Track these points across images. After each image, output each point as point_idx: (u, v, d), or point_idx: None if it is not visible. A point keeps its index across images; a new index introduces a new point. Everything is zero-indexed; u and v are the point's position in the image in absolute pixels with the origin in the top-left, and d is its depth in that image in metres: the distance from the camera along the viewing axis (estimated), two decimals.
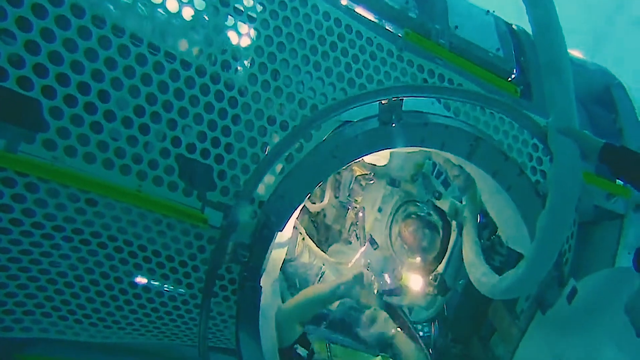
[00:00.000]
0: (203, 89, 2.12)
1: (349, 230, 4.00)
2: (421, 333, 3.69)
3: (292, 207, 2.31)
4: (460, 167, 2.97)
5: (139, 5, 1.99)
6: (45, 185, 1.94)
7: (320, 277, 3.50)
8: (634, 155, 2.08)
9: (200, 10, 2.10)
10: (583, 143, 2.13)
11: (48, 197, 1.96)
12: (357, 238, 3.91)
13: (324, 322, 3.27)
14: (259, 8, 2.23)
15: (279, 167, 2.29)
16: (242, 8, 2.20)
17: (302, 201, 2.40)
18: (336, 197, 3.90)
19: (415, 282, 3.52)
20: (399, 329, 3.06)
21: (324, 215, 4.09)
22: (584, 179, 2.46)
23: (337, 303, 3.21)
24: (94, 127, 1.95)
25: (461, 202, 3.34)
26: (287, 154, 2.27)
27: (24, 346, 2.38)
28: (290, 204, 2.30)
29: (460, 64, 2.70)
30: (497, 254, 3.18)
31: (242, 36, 2.20)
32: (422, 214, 3.55)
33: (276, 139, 2.27)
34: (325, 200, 3.85)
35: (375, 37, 2.50)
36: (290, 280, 3.50)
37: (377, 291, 3.59)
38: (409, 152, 3.33)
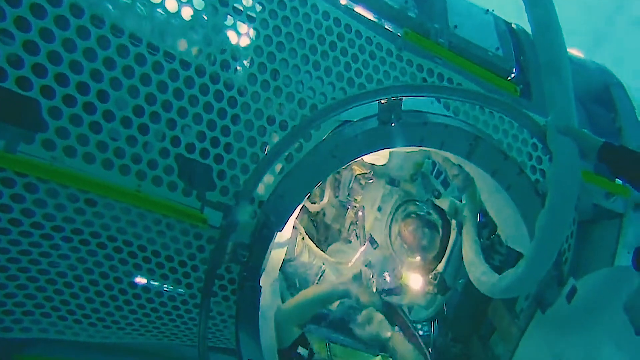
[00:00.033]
0: (202, 88, 2.12)
1: (348, 230, 3.99)
2: (421, 332, 3.70)
3: (291, 207, 2.31)
4: (460, 166, 2.96)
5: (138, 5, 1.99)
6: (44, 186, 1.94)
7: (320, 277, 3.50)
8: (633, 154, 2.07)
9: (199, 10, 2.10)
10: (582, 142, 2.13)
11: (47, 197, 1.96)
12: (357, 237, 3.91)
13: (324, 322, 3.27)
14: (258, 8, 2.23)
15: (278, 166, 2.28)
16: (241, 8, 2.20)
17: (302, 201, 2.40)
18: (336, 197, 3.90)
19: (415, 281, 3.52)
20: (395, 330, 3.06)
21: (324, 215, 4.09)
22: (583, 178, 2.46)
23: (337, 303, 3.20)
24: (93, 127, 1.95)
25: (461, 201, 3.34)
26: (286, 153, 2.27)
27: (24, 346, 2.38)
28: (289, 204, 2.29)
29: (460, 63, 2.70)
30: (496, 253, 3.18)
31: (241, 36, 2.20)
32: (422, 213, 3.55)
33: (276, 138, 2.27)
34: (325, 200, 3.85)
35: (374, 37, 2.50)
36: (290, 280, 3.50)
37: (376, 289, 3.59)
38: (408, 152, 3.33)
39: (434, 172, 3.45)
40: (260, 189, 2.26)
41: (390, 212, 3.68)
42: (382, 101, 2.33)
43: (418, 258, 3.51)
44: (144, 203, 2.07)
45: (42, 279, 2.14)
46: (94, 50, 1.91)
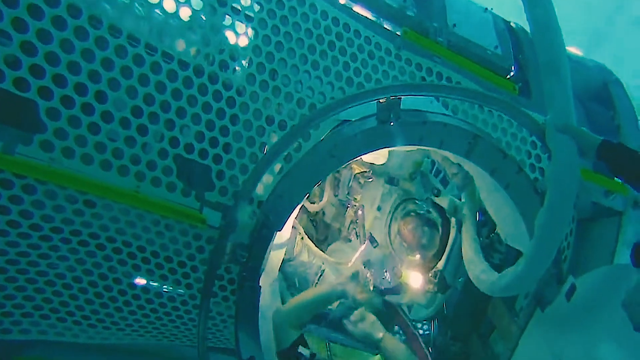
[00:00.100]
0: (201, 89, 2.11)
1: (348, 229, 4.00)
2: (421, 331, 3.70)
3: (291, 207, 2.31)
4: (459, 165, 2.97)
5: (136, 5, 1.98)
6: (42, 187, 1.93)
7: (320, 276, 3.51)
8: (632, 152, 2.08)
9: (197, 10, 2.09)
10: (581, 140, 2.14)
11: (46, 199, 1.95)
12: (357, 236, 3.91)
13: (324, 322, 3.27)
14: (257, 7, 2.22)
15: (277, 166, 2.28)
16: (239, 7, 2.19)
17: (301, 201, 2.40)
18: (335, 196, 3.90)
19: (415, 280, 3.52)
20: (388, 331, 3.06)
21: (323, 214, 4.09)
22: (582, 176, 2.46)
23: (337, 302, 3.21)
24: (92, 128, 1.94)
25: (460, 200, 3.34)
26: (285, 153, 2.27)
27: (23, 348, 2.38)
28: (289, 204, 2.29)
29: (459, 61, 2.70)
30: (496, 252, 3.18)
31: (239, 36, 2.19)
32: (421, 212, 3.55)
33: (275, 138, 2.27)
34: (325, 200, 3.85)
35: (373, 36, 2.49)
36: (290, 279, 3.50)
37: (375, 288, 3.59)
38: (407, 151, 3.33)
39: (433, 171, 3.45)
40: (259, 189, 2.25)
41: (390, 211, 3.68)
42: (381, 100, 2.33)
43: (418, 256, 3.51)
44: (143, 204, 2.06)
45: (41, 280, 2.13)
46: (92, 51, 1.90)
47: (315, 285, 3.49)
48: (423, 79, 2.61)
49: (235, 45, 2.19)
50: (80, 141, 1.93)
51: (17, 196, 1.91)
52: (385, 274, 3.58)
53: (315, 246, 3.70)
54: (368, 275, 3.54)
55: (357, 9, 2.55)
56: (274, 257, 2.72)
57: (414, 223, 3.49)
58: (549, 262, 2.27)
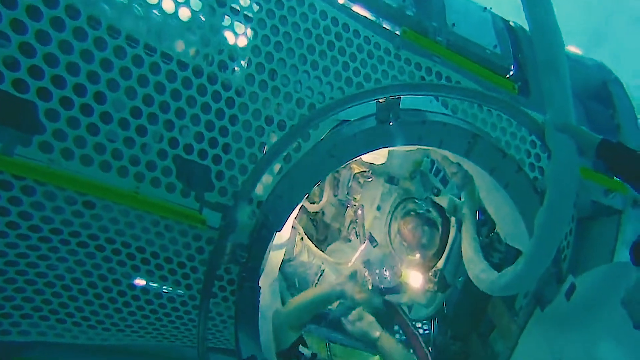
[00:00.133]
0: (200, 89, 2.11)
1: (348, 228, 3.99)
2: (421, 331, 3.71)
3: (290, 207, 2.31)
4: (458, 164, 2.97)
5: (135, 6, 1.98)
6: (41, 188, 1.93)
7: (320, 276, 3.50)
8: (631, 152, 2.08)
9: (196, 11, 2.09)
10: (580, 139, 2.14)
11: (45, 200, 1.95)
12: (357, 235, 3.91)
13: (324, 321, 3.27)
14: (256, 7, 2.22)
15: (277, 167, 2.28)
16: (238, 8, 2.19)
17: (301, 201, 2.40)
18: (335, 196, 3.90)
19: (415, 279, 3.52)
20: (386, 332, 3.07)
21: (323, 214, 4.09)
22: (581, 175, 2.46)
23: (337, 302, 3.21)
24: (91, 129, 1.94)
25: (460, 199, 3.34)
26: (285, 153, 2.26)
27: (22, 349, 2.37)
28: (288, 204, 2.29)
29: (458, 61, 2.70)
30: (495, 251, 3.18)
31: (238, 36, 2.19)
32: (421, 211, 3.55)
33: (274, 138, 2.27)
34: (324, 200, 3.85)
35: (372, 36, 2.49)
36: (290, 280, 3.50)
37: (374, 288, 3.59)
38: (407, 150, 3.33)
39: (433, 170, 3.45)
40: (259, 190, 2.25)
41: (390, 211, 3.68)
42: (380, 100, 2.33)
43: (417, 256, 3.52)
44: (143, 205, 2.06)
45: (41, 282, 2.13)
46: (90, 51, 1.89)
47: (315, 286, 3.49)
48: (422, 78, 2.61)
49: (235, 46, 2.19)
50: (79, 142, 1.93)
51: (16, 197, 1.91)
52: (385, 273, 3.58)
53: (315, 246, 3.69)
54: (366, 274, 3.54)
55: (356, 8, 2.55)
56: (274, 258, 2.72)
57: (413, 222, 3.49)
58: (549, 261, 2.27)
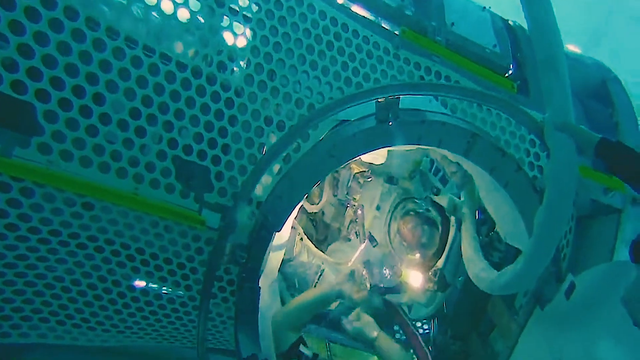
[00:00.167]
0: (199, 90, 2.11)
1: (347, 229, 3.99)
2: (420, 330, 3.71)
3: (290, 208, 2.31)
4: (458, 163, 2.97)
5: (134, 7, 1.97)
6: (40, 190, 1.92)
7: (320, 276, 3.50)
8: (630, 151, 2.08)
9: (195, 11, 2.08)
10: (579, 138, 2.13)
11: (44, 202, 1.94)
12: (357, 235, 3.91)
13: (324, 321, 3.27)
14: (255, 8, 2.21)
15: (276, 167, 2.28)
16: (237, 8, 2.18)
17: (300, 201, 2.40)
18: (335, 196, 3.89)
19: (415, 279, 3.52)
20: (383, 332, 3.08)
21: (323, 214, 4.09)
22: (581, 174, 2.46)
23: (336, 303, 3.21)
24: (90, 130, 1.94)
25: (459, 198, 3.34)
26: (284, 154, 2.26)
27: (23, 352, 2.37)
28: (288, 204, 2.29)
29: (457, 60, 2.70)
30: (495, 250, 3.18)
31: (237, 37, 2.18)
32: (421, 211, 3.55)
33: (273, 139, 2.26)
34: (324, 200, 3.85)
35: (371, 36, 2.48)
36: (289, 280, 3.50)
37: (374, 287, 3.59)
38: (406, 150, 3.32)
39: (432, 170, 3.45)
40: (258, 190, 2.25)
41: (389, 210, 3.68)
42: (380, 100, 2.33)
43: (417, 255, 3.51)
44: (142, 206, 2.06)
45: (40, 283, 2.12)
46: (89, 53, 1.89)
47: (315, 286, 3.49)
48: (421, 78, 2.61)
49: (234, 46, 2.18)
50: (78, 143, 1.92)
51: (15, 199, 1.90)
52: (385, 272, 3.58)
53: (315, 246, 3.69)
54: (364, 273, 3.54)
55: (355, 8, 2.54)
56: (274, 258, 2.72)
57: (413, 222, 3.49)
58: (548, 260, 2.27)
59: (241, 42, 2.20)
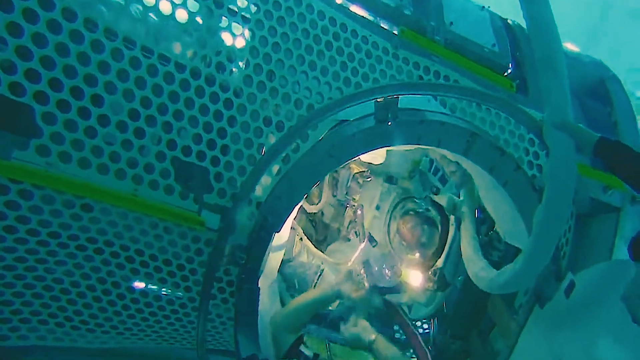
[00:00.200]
0: (198, 91, 2.10)
1: (347, 229, 3.99)
2: (420, 330, 3.70)
3: (289, 208, 2.31)
4: (457, 163, 2.97)
5: (132, 8, 1.97)
6: (39, 192, 1.92)
7: (319, 276, 3.50)
8: (628, 150, 2.08)
9: (193, 12, 2.08)
10: (578, 137, 2.14)
11: (43, 204, 1.94)
12: (357, 235, 3.91)
13: (324, 322, 3.27)
14: (253, 9, 2.21)
15: (275, 168, 2.27)
16: (236, 9, 2.18)
17: (300, 201, 2.40)
18: (334, 196, 3.89)
19: (415, 278, 3.52)
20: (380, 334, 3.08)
21: (322, 214, 4.09)
22: (580, 172, 2.46)
23: (337, 303, 3.20)
24: (88, 132, 1.93)
25: (459, 197, 3.34)
26: (283, 154, 2.26)
27: (22, 354, 2.36)
28: (287, 205, 2.29)
29: (456, 60, 2.70)
30: (495, 249, 3.18)
31: (236, 37, 2.18)
32: (420, 210, 3.55)
33: (272, 139, 2.26)
34: (323, 200, 3.85)
35: (370, 36, 2.48)
36: (289, 280, 3.50)
37: (373, 287, 3.58)
38: (405, 150, 3.32)
39: (432, 169, 3.45)
40: (258, 191, 2.25)
41: (389, 210, 3.68)
42: (379, 100, 2.33)
43: (417, 255, 3.51)
44: (141, 207, 2.05)
45: (39, 285, 2.12)
46: (87, 54, 1.88)
47: (315, 286, 3.48)
48: (420, 77, 2.61)
49: (232, 47, 2.18)
50: (76, 145, 1.92)
51: (13, 201, 1.89)
52: (385, 272, 3.58)
53: (315, 247, 3.69)
54: (362, 272, 3.53)
55: (354, 8, 2.54)
56: (273, 259, 2.72)
57: (413, 221, 3.49)
58: (548, 259, 2.27)
59: (240, 43, 2.19)
